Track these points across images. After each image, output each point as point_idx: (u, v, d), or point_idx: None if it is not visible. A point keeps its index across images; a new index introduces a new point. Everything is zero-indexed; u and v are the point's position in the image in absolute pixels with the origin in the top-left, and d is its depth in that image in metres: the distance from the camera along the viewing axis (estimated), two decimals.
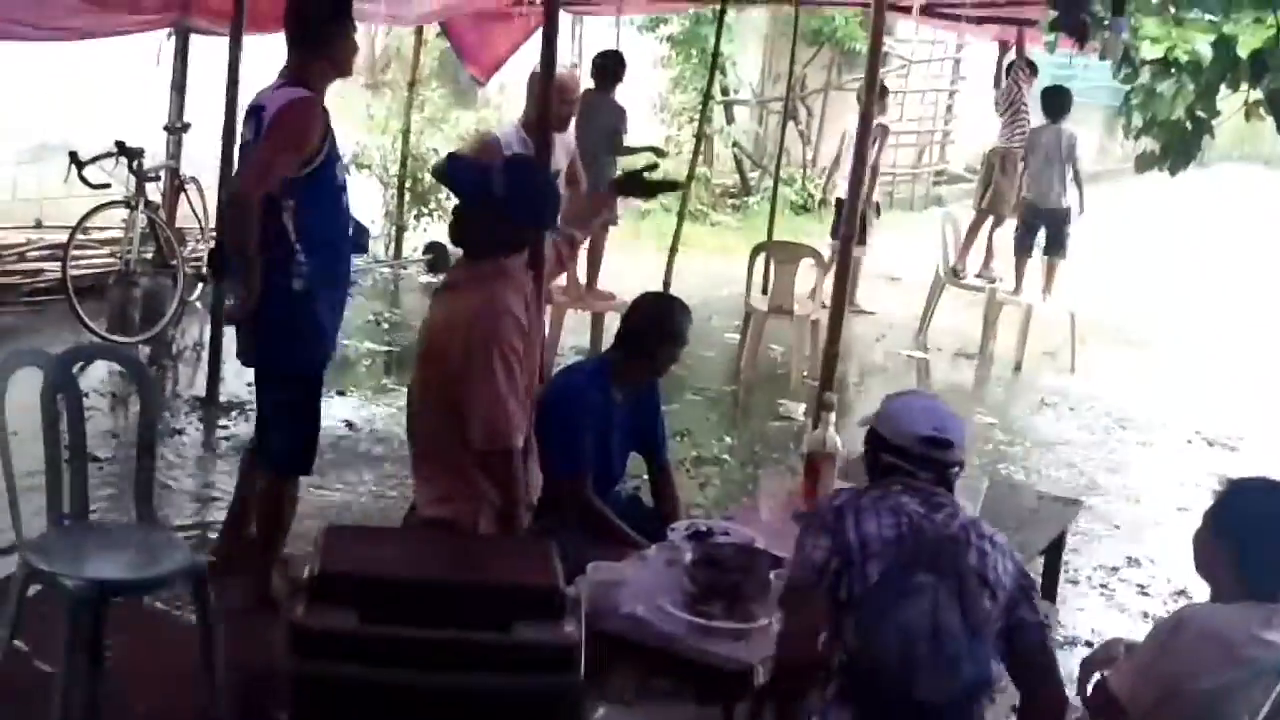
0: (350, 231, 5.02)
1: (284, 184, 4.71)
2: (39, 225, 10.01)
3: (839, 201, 11.78)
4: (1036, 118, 11.44)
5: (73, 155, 8.69)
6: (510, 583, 2.47)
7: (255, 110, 4.92)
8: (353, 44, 4.93)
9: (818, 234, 13.37)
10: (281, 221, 4.73)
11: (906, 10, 5.74)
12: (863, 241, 11.42)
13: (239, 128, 6.20)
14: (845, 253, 5.79)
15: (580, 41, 13.85)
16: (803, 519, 3.25)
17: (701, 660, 3.27)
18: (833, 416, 4.35)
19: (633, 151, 10.95)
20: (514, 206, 4.00)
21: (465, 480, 3.90)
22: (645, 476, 5.19)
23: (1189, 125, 6.54)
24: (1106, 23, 4.38)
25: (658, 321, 4.72)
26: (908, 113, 18.01)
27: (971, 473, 4.98)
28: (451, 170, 4.35)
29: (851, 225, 5.74)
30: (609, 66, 9.91)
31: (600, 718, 3.81)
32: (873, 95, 5.69)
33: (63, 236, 9.03)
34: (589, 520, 4.42)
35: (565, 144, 7.92)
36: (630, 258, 11.62)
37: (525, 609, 2.39)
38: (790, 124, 14.62)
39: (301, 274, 4.77)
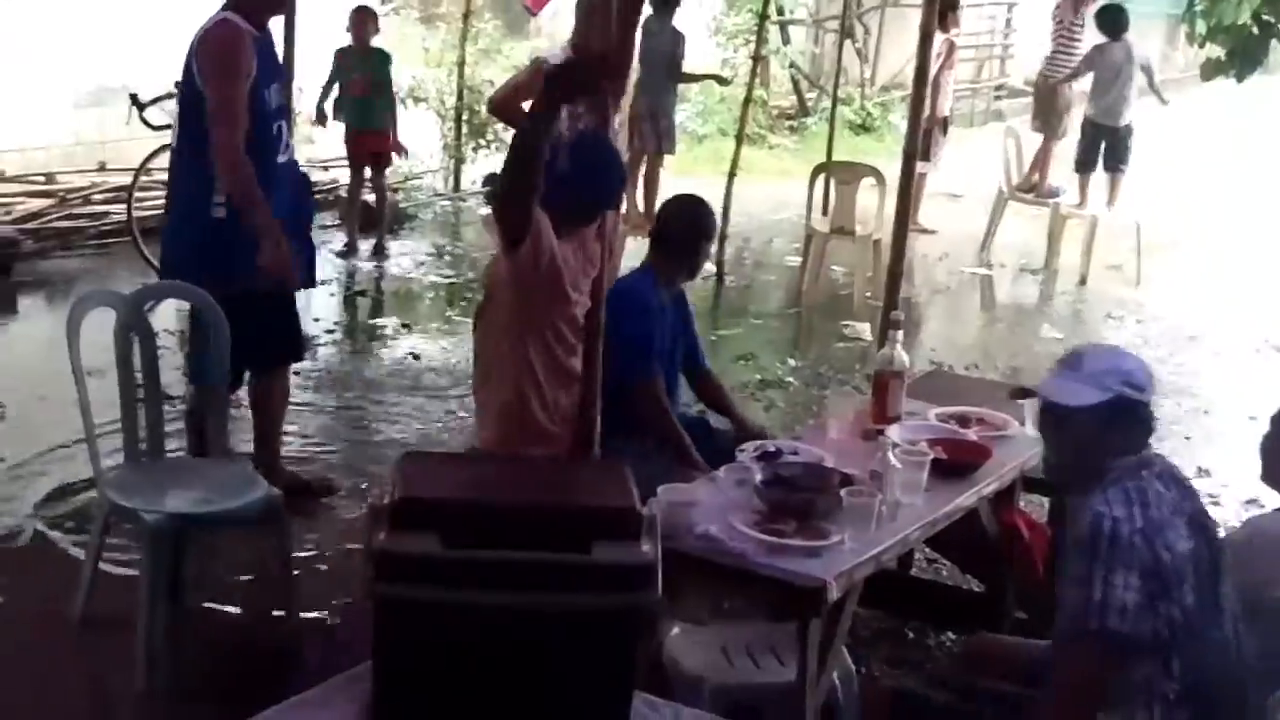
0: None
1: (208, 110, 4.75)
2: (103, 168, 10.12)
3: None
4: (1094, 36, 11.24)
5: (133, 97, 8.74)
6: (588, 504, 2.49)
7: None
8: None
9: (877, 154, 13.27)
10: (205, 146, 4.78)
11: None
12: (928, 158, 11.35)
13: (297, 64, 6.28)
14: (909, 170, 5.73)
15: None
16: (1083, 547, 2.82)
17: (774, 577, 3.29)
18: (900, 335, 4.33)
19: (693, 78, 10.92)
20: (581, 186, 3.98)
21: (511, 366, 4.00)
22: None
23: (1255, 29, 6.44)
24: None
25: (688, 220, 4.77)
26: (966, 27, 17.72)
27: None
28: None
29: (913, 142, 5.68)
30: None
31: (675, 636, 3.85)
32: (932, 9, 5.61)
33: (127, 179, 9.13)
34: (661, 425, 4.46)
35: None
36: (689, 184, 11.56)
37: (604, 530, 2.40)
38: (847, 43, 14.46)
39: (221, 201, 4.84)
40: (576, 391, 3.90)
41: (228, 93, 4.74)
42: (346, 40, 9.70)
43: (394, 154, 9.98)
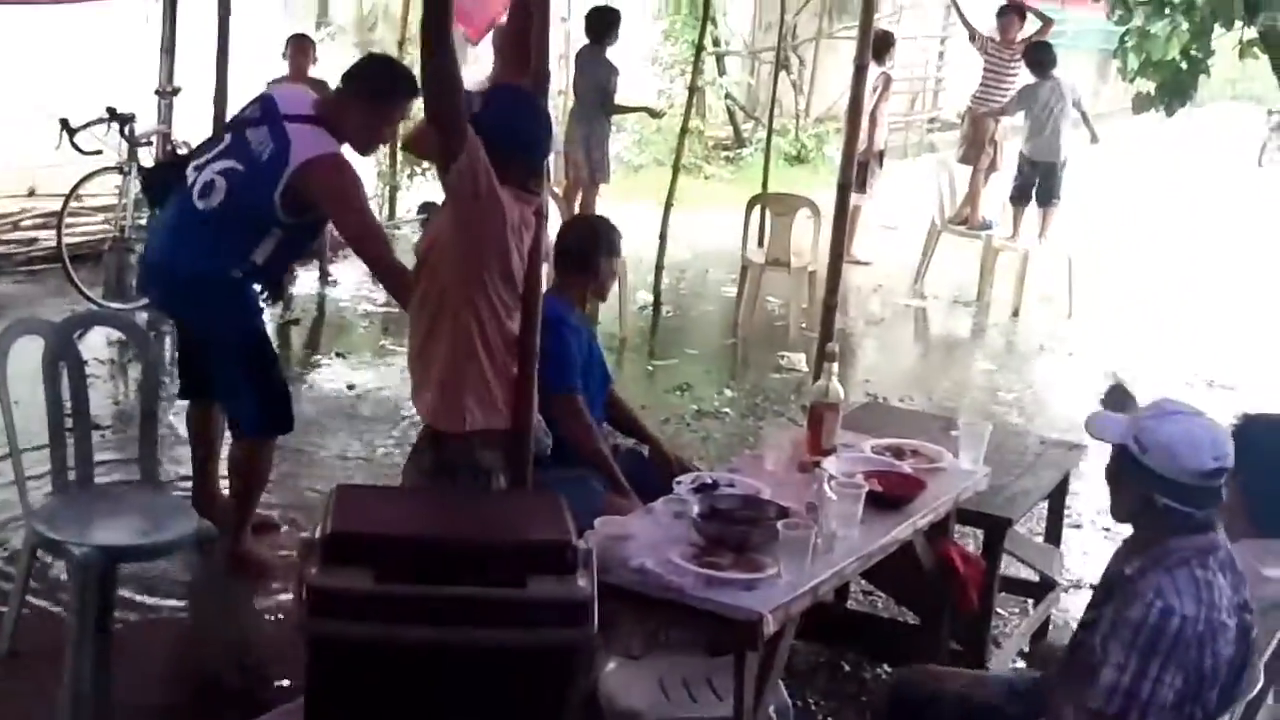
0: None
1: (280, 216, 4.79)
2: (32, 194, 9.99)
3: None
4: (1026, 72, 11.37)
5: (64, 122, 8.63)
6: (523, 539, 2.48)
7: (269, 107, 4.90)
8: (393, 128, 5.15)
9: (811, 185, 13.33)
10: (252, 237, 4.84)
11: None
12: (864, 190, 11.45)
13: (229, 91, 6.23)
14: (843, 201, 5.75)
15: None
16: (1143, 635, 2.80)
17: (711, 611, 3.27)
18: (835, 367, 4.33)
19: (626, 109, 10.94)
20: (503, 133, 3.90)
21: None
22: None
23: (1184, 65, 6.54)
24: None
25: (588, 236, 4.79)
26: (900, 60, 17.91)
27: (975, 419, 5.00)
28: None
29: (848, 174, 5.71)
30: (602, 22, 9.86)
31: (610, 671, 3.82)
32: (866, 43, 5.66)
33: (56, 204, 9.00)
34: (586, 440, 4.46)
35: None
36: (625, 213, 11.58)
37: (539, 564, 2.39)
38: (782, 74, 14.55)
39: (245, 270, 4.91)
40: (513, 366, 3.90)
41: (361, 213, 4.95)
42: (282, 69, 9.61)
43: None
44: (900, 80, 17.98)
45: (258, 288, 5.11)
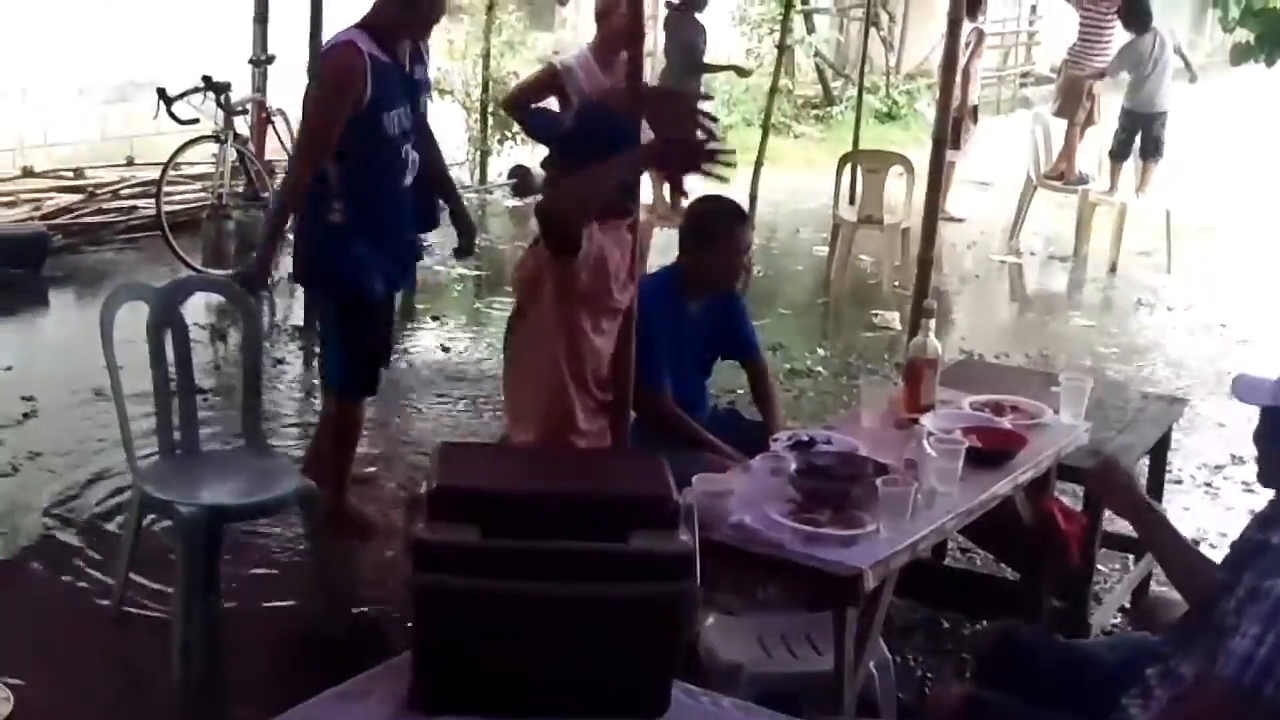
0: (410, 194, 5.05)
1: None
2: (130, 163, 10.17)
3: None
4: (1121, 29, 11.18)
5: (160, 92, 8.77)
6: (626, 493, 2.48)
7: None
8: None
9: (903, 142, 13.23)
10: (324, 166, 4.81)
11: None
12: (958, 147, 11.32)
13: None
14: (938, 158, 5.70)
15: None
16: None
17: (810, 566, 3.28)
18: (932, 323, 4.31)
19: (715, 69, 10.91)
20: (587, 154, 3.86)
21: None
22: (740, 390, 5.19)
23: None
24: None
25: (709, 223, 4.63)
26: (991, 14, 17.70)
27: (1076, 374, 4.95)
28: (528, 122, 4.29)
29: (943, 129, 5.66)
30: None
31: (710, 625, 3.84)
32: (959, 11, 5.60)
33: (155, 173, 9.15)
34: (673, 431, 4.42)
35: None
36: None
37: (641, 519, 2.40)
38: (872, 31, 14.42)
39: (336, 213, 4.85)
40: (607, 387, 3.88)
41: (312, 109, 4.88)
42: None
43: None
44: (993, 35, 17.81)
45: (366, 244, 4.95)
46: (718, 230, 4.61)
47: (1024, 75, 19.65)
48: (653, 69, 11.15)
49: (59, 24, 9.91)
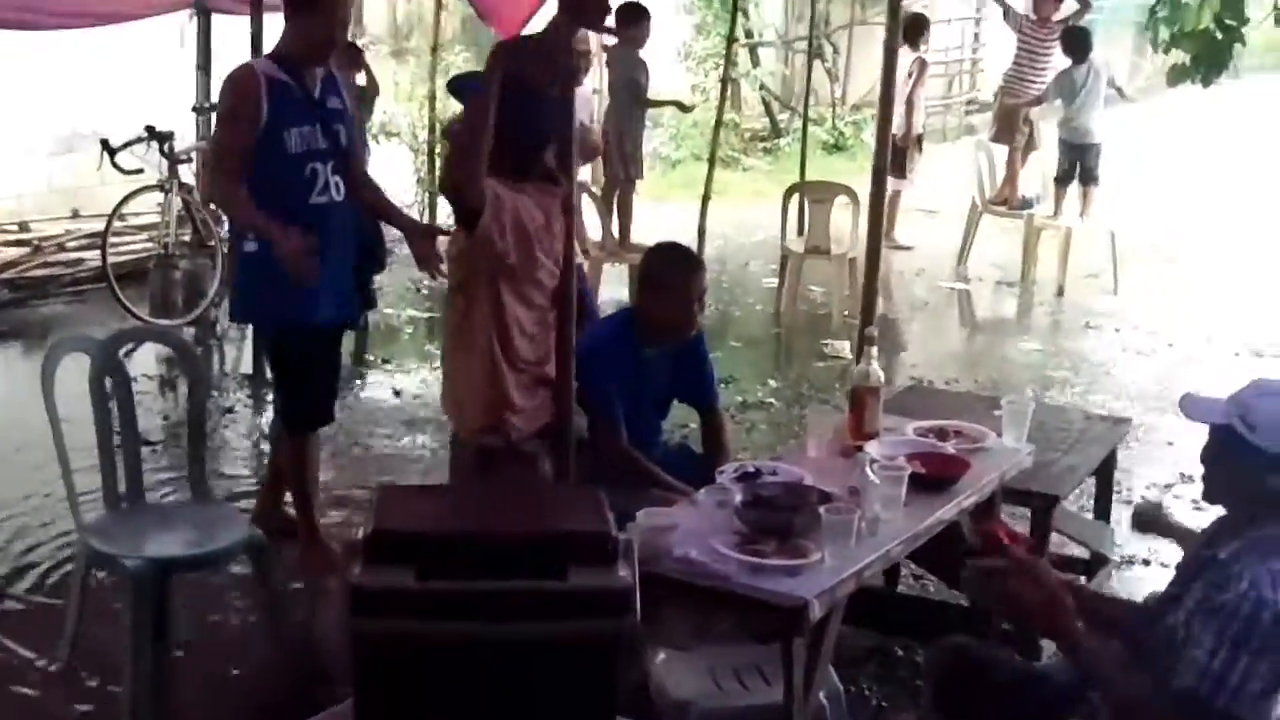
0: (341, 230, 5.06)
1: None
2: (76, 215, 10.12)
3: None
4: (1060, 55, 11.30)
5: (104, 143, 8.75)
6: (563, 530, 2.49)
7: None
8: (329, 21, 4.89)
9: (851, 173, 13.29)
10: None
11: None
12: (904, 175, 11.43)
13: None
14: (879, 185, 5.75)
15: None
16: (1238, 623, 2.74)
17: (755, 598, 3.28)
18: (875, 350, 4.33)
19: (658, 104, 10.96)
20: (509, 132, 3.95)
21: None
22: (693, 425, 5.20)
23: (1218, 34, 6.47)
24: None
25: (663, 271, 4.61)
26: (935, 43, 17.83)
27: (1016, 397, 4.97)
28: (459, 88, 4.38)
29: (882, 157, 5.70)
30: (630, 19, 9.87)
31: (661, 662, 3.84)
32: (896, 26, 5.65)
33: (100, 225, 9.11)
34: (627, 470, 4.42)
35: (582, 98, 7.65)
36: (663, 209, 11.62)
37: (579, 555, 2.40)
38: (817, 63, 14.52)
39: (250, 241, 4.91)
40: (546, 360, 3.91)
41: (219, 137, 4.92)
42: None
43: None
44: (937, 64, 17.96)
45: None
46: (671, 278, 4.60)
47: (969, 103, 19.80)
48: (599, 106, 11.21)
49: (2, 78, 9.87)
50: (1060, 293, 10.64)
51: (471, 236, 3.93)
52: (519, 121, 3.98)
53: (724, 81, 10.75)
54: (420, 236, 5.25)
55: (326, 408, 5.27)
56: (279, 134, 4.84)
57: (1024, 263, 11.10)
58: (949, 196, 12.78)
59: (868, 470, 3.77)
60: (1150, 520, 3.62)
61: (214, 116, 5.02)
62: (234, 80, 4.89)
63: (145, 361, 7.61)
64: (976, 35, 19.72)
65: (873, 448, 4.10)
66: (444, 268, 4.68)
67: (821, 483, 3.83)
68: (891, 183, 11.69)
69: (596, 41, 11.87)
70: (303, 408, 5.18)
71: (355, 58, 9.76)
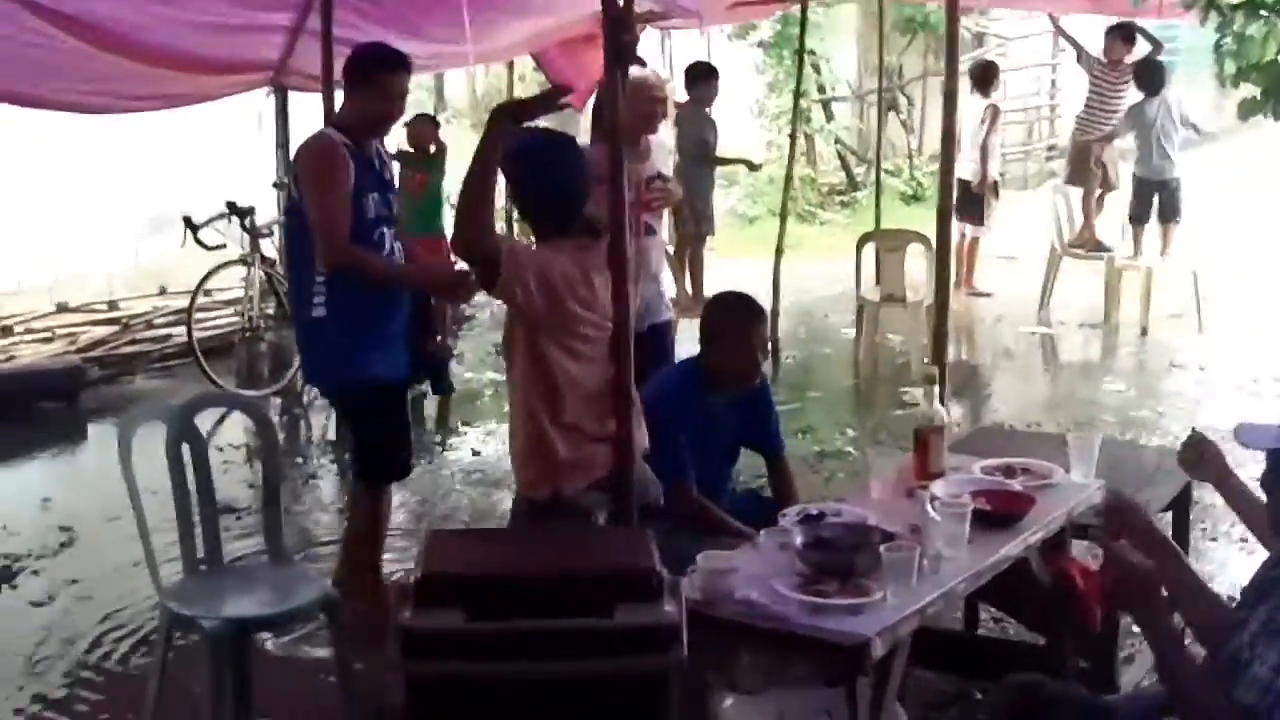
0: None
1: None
2: (163, 292, 10.36)
3: (959, 183, 11.77)
4: (1134, 91, 11.23)
5: (187, 220, 8.96)
6: (607, 568, 2.52)
7: None
8: (388, 96, 5.02)
9: (929, 222, 13.21)
10: (309, 251, 4.95)
11: None
12: (981, 222, 11.42)
13: None
14: (944, 227, 5.77)
15: (670, 55, 13.93)
16: None
17: (817, 637, 3.28)
18: (936, 389, 4.33)
19: (725, 162, 11.03)
20: (537, 189, 4.03)
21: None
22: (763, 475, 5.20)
23: None
24: None
25: (725, 320, 4.66)
26: (1012, 91, 17.82)
27: (1083, 433, 4.93)
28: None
29: (947, 200, 5.73)
30: (698, 78, 9.98)
31: (729, 707, 3.83)
32: (954, 70, 5.68)
33: (186, 301, 9.31)
34: (698, 520, 4.43)
35: (661, 145, 7.54)
36: (740, 265, 11.65)
37: (625, 592, 2.43)
38: (892, 114, 14.55)
39: (318, 307, 4.97)
40: (604, 414, 3.94)
41: (322, 200, 4.90)
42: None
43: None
44: (1015, 111, 17.92)
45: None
46: (732, 326, 4.64)
47: (1050, 149, 19.68)
48: (672, 166, 11.28)
49: (92, 161, 10.16)
50: (1144, 333, 10.53)
51: (494, 293, 3.97)
52: (553, 179, 4.03)
53: (793, 136, 10.74)
54: (442, 269, 5.32)
55: (399, 461, 5.34)
56: (361, 200, 4.95)
57: (1106, 305, 11.01)
58: (1030, 242, 12.70)
59: (929, 508, 3.76)
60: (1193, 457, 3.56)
61: (298, 187, 4.99)
62: (321, 149, 4.96)
63: (234, 432, 7.77)
64: (1053, 82, 19.62)
65: (937, 487, 4.08)
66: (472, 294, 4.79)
67: (885, 523, 3.81)
68: (970, 229, 11.76)
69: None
70: (374, 463, 5.25)
71: (430, 129, 9.95)
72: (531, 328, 3.91)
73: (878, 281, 9.96)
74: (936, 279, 5.85)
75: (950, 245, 5.84)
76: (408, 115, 10.07)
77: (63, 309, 9.96)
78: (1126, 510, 3.36)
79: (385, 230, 5.07)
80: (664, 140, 8.33)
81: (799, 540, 3.65)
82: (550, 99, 4.00)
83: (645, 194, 5.77)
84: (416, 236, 9.83)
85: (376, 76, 4.99)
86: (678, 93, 10.39)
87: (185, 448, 4.53)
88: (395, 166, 5.76)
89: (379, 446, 5.22)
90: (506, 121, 3.85)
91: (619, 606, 2.41)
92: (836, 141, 17.35)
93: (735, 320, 4.62)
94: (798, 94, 10.70)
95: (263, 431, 4.78)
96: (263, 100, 9.39)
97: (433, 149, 9.94)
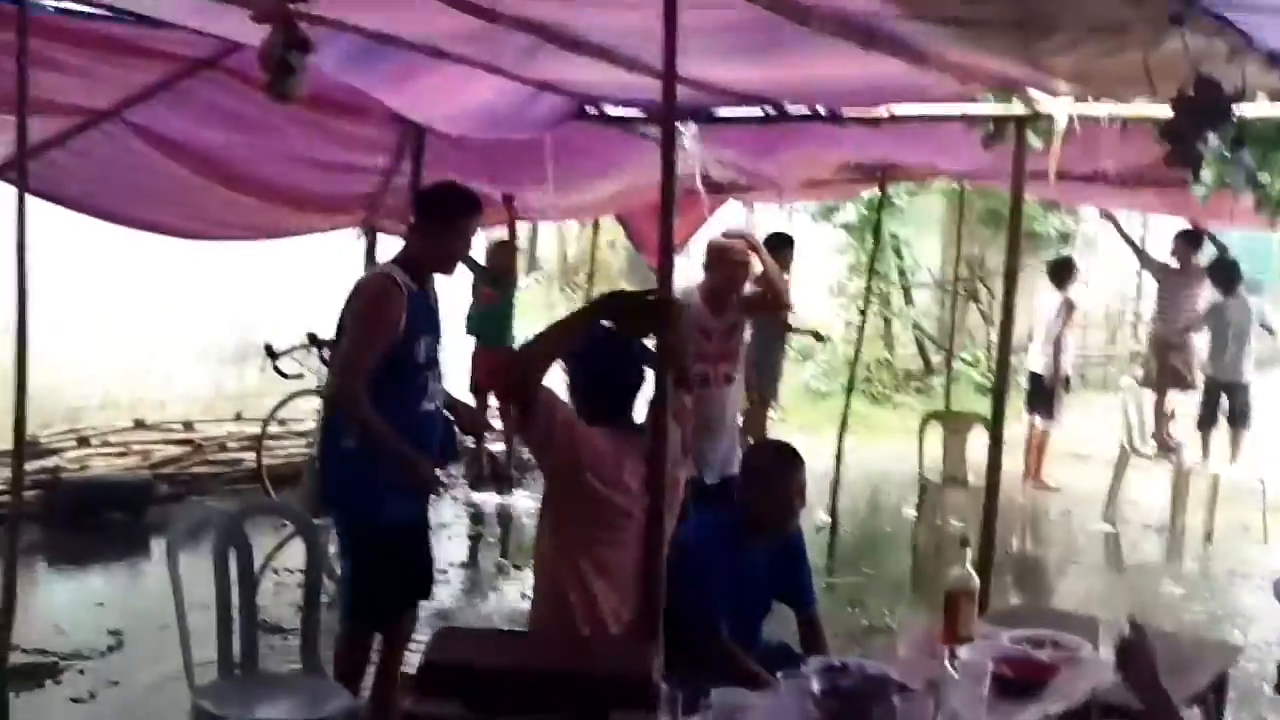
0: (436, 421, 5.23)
1: None
2: (239, 418, 10.59)
3: (1031, 375, 11.83)
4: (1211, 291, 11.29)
5: (268, 348, 9.19)
6: (607, 673, 2.58)
7: None
8: (462, 236, 5.15)
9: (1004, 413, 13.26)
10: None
11: (1043, 178, 5.92)
12: (1051, 416, 11.43)
13: None
14: (999, 408, 5.84)
15: (753, 229, 14.18)
16: None
17: None
18: (969, 553, 4.36)
19: (795, 331, 11.21)
20: (592, 378, 4.21)
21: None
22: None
23: None
24: (1229, 157, 4.40)
25: (765, 464, 4.77)
26: (1096, 294, 17.88)
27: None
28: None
29: (1003, 378, 5.82)
30: (773, 247, 10.16)
31: None
32: (1016, 247, 5.80)
33: (260, 427, 9.52)
34: (727, 666, 4.45)
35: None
36: (810, 440, 11.69)
37: (621, 699, 2.49)
38: (973, 305, 14.66)
39: (351, 439, 5.00)
40: (627, 591, 3.99)
41: (358, 338, 4.96)
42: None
43: None
44: (1098, 313, 17.97)
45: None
46: (772, 471, 4.73)
47: (1134, 355, 19.68)
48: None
49: (183, 282, 10.47)
50: (1208, 539, 10.42)
51: (524, 426, 4.09)
52: (609, 374, 4.23)
53: (863, 313, 10.89)
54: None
55: (391, 607, 5.26)
56: (412, 344, 5.00)
57: (1173, 508, 10.91)
58: (1102, 441, 12.67)
59: (947, 664, 3.77)
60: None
61: (346, 317, 5.07)
62: (379, 288, 4.99)
63: (296, 558, 7.87)
64: (1138, 287, 19.69)
65: (963, 650, 4.08)
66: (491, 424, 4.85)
67: (905, 679, 3.82)
68: (1040, 422, 11.77)
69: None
70: (367, 606, 5.18)
71: (510, 257, 10.29)
72: (552, 484, 4.06)
73: (943, 463, 9.97)
74: (989, 456, 5.89)
75: (1004, 421, 5.89)
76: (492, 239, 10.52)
77: (139, 425, 10.21)
78: (1138, 646, 3.38)
79: (430, 375, 5.12)
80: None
81: (816, 687, 3.68)
82: (657, 322, 3.87)
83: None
84: (486, 348, 10.23)
85: (454, 217, 5.10)
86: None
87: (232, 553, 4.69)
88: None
89: (374, 588, 5.15)
90: (602, 317, 3.96)
91: (614, 712, 2.47)
92: (915, 326, 17.46)
93: (775, 465, 4.72)
94: (870, 274, 10.88)
95: (306, 541, 4.89)
96: (353, 238, 9.67)
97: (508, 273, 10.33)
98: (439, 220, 5.09)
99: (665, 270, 3.83)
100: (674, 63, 3.59)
